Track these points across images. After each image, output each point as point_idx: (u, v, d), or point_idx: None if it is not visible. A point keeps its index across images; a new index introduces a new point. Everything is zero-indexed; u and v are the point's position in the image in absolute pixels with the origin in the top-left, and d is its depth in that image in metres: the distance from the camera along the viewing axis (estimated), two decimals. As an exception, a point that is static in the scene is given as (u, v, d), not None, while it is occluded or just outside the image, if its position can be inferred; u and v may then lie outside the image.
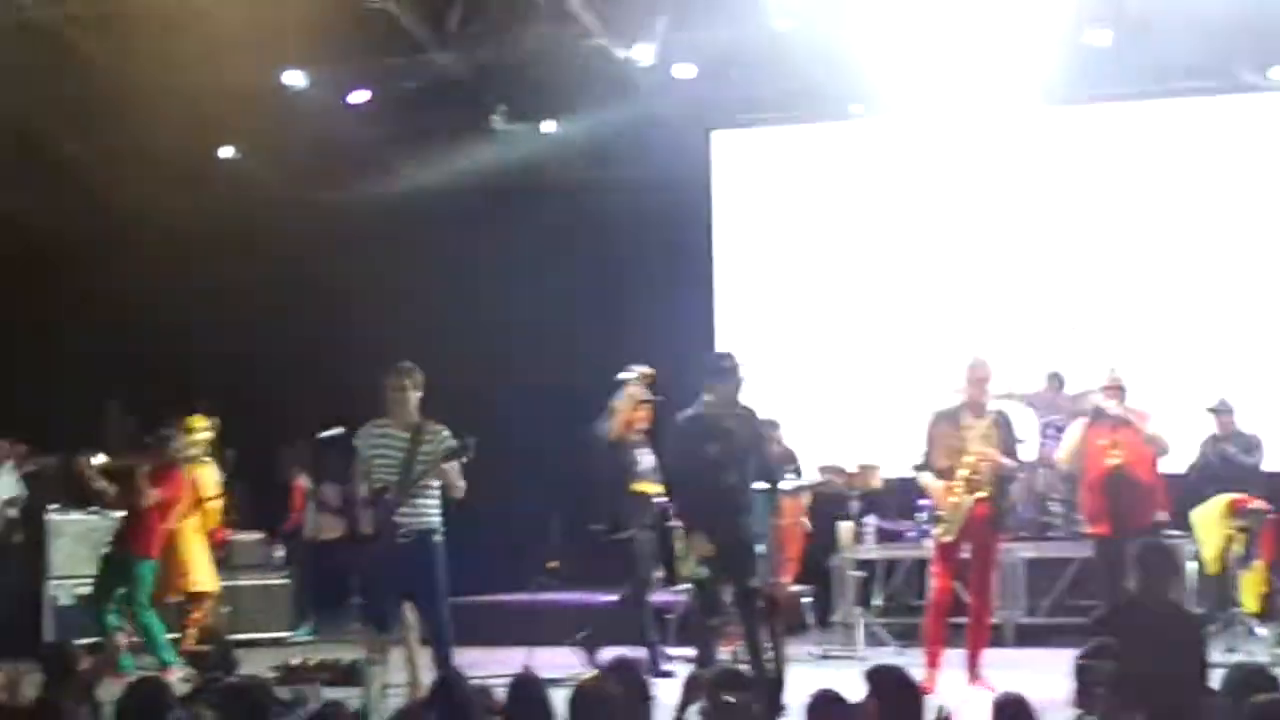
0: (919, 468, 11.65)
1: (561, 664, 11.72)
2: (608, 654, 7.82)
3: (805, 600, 14.34)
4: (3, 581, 14.71)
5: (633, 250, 17.43)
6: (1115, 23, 14.96)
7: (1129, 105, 16.62)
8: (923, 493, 12.13)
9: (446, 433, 10.67)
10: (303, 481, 16.76)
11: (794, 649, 11.98)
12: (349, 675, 11.64)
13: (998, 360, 11.76)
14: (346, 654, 12.70)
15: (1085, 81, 16.09)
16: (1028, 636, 13.43)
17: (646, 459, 12.58)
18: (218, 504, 14.02)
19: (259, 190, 18.22)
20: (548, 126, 17.32)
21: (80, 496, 14.16)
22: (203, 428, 13.48)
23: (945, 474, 11.41)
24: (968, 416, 11.44)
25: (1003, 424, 11.50)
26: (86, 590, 13.68)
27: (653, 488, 12.39)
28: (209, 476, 13.75)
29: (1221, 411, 13.66)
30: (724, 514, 10.40)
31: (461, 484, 10.56)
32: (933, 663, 11.25)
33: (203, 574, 13.70)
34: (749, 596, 10.29)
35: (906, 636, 13.34)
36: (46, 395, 17.52)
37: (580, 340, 16.99)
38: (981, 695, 7.15)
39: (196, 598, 13.69)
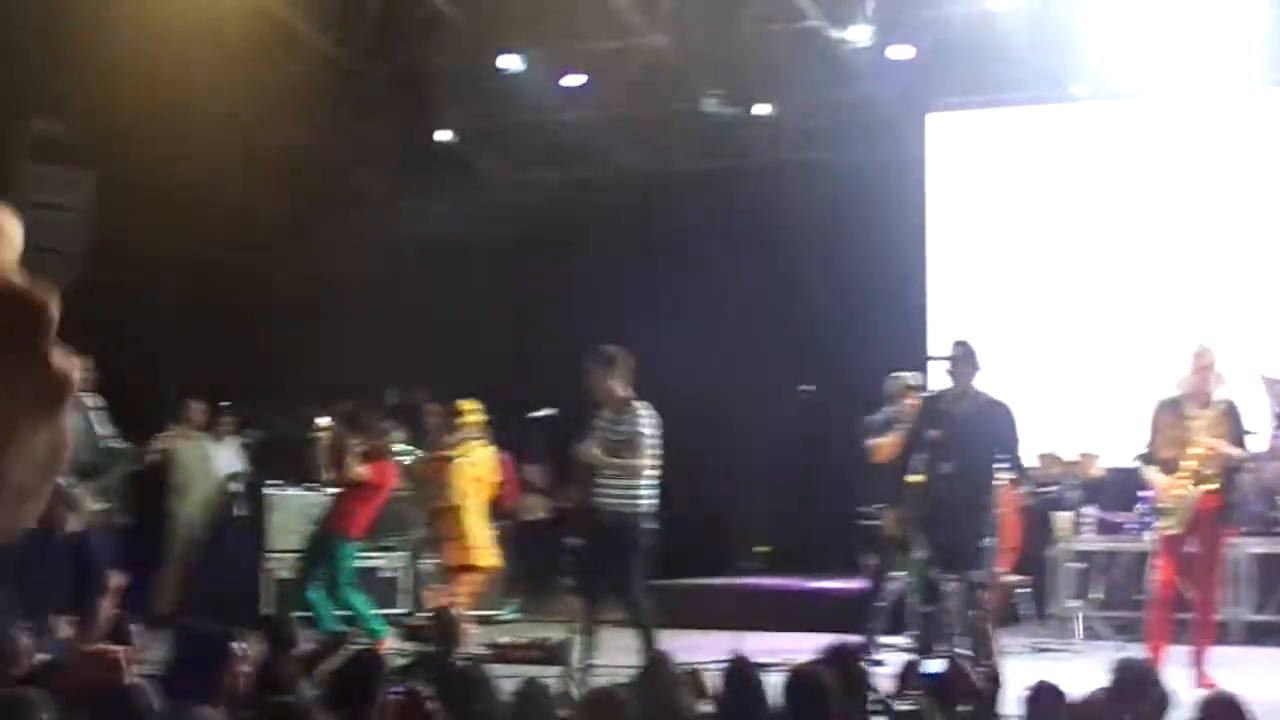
0: (1142, 459, 11.36)
1: (773, 649, 11.61)
2: (825, 640, 7.69)
3: (1021, 591, 14.08)
4: (225, 555, 14.96)
5: (845, 234, 17.22)
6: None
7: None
8: (1144, 484, 11.83)
9: (643, 413, 10.69)
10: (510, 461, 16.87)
11: (1008, 641, 11.81)
12: (555, 654, 11.66)
13: (1224, 349, 11.41)
14: (554, 633, 12.74)
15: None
16: (1256, 634, 13.06)
17: None
18: (497, 482, 13.95)
19: (475, 174, 18.36)
20: (760, 109, 17.18)
21: (301, 469, 14.32)
22: (472, 410, 13.47)
23: (1169, 465, 11.12)
24: (1192, 406, 11.15)
25: (1231, 414, 11.16)
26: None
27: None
28: (486, 456, 13.68)
29: None
30: (940, 502, 10.24)
31: (637, 462, 10.51)
32: (1155, 659, 10.95)
33: (484, 550, 13.70)
34: (969, 589, 10.13)
35: (1127, 631, 13.04)
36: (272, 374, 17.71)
37: (795, 323, 16.85)
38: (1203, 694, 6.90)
39: (471, 570, 13.68)
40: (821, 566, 14.89)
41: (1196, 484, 11.00)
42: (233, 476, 15.27)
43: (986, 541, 10.28)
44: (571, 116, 17.70)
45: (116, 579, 8.41)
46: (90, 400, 11.51)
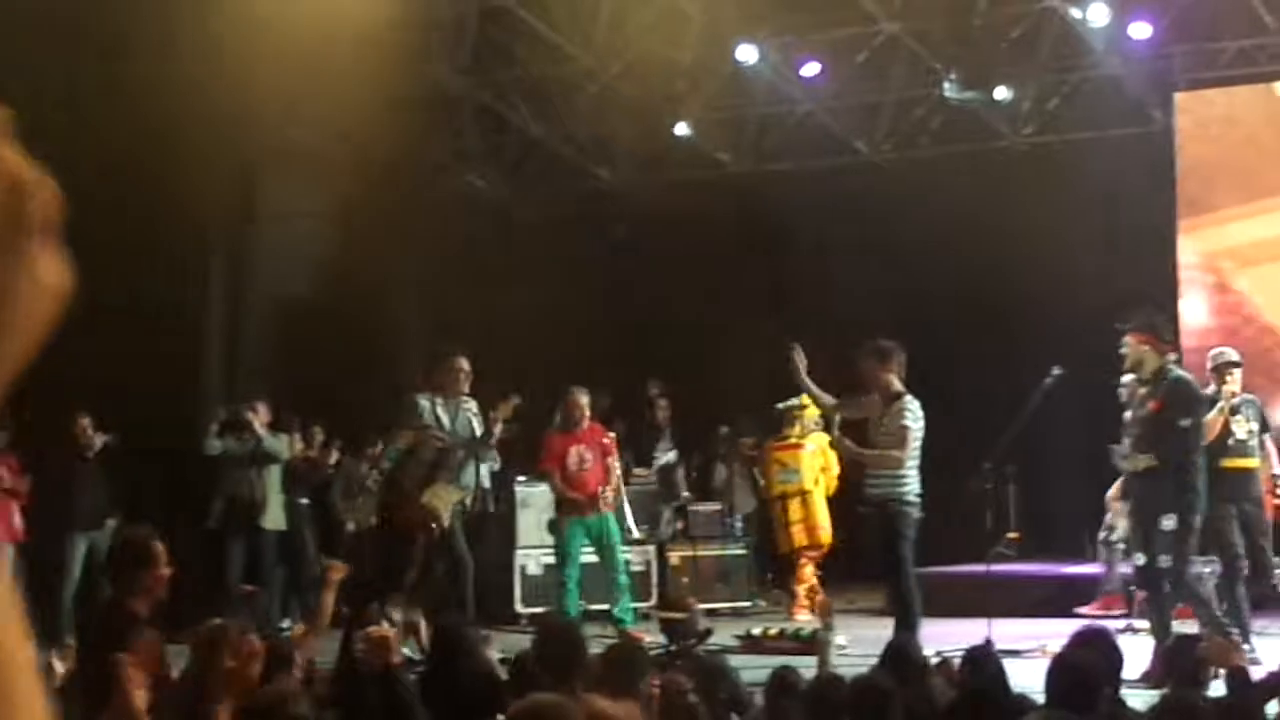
0: None
1: (1019, 635, 11.62)
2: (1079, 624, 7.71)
3: None
4: (480, 550, 15.29)
5: (1093, 213, 16.98)
6: None
7: None
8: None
9: (911, 408, 10.86)
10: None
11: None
12: (809, 644, 11.77)
13: None
14: (806, 624, 12.88)
15: None
16: None
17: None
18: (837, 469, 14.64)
19: (714, 165, 18.51)
20: (1000, 92, 17.06)
21: None
22: (808, 404, 13.91)
23: None
24: None
25: None
26: (551, 560, 14.19)
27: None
28: (825, 444, 14.22)
29: None
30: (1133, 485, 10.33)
31: (899, 455, 10.71)
32: None
33: (826, 529, 14.78)
34: (1147, 572, 10.17)
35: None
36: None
37: (1042, 304, 16.67)
38: None
39: (816, 549, 14.74)
40: (1075, 551, 14.82)
41: None
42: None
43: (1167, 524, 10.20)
44: (809, 106, 17.78)
45: (338, 569, 8.66)
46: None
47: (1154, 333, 10.46)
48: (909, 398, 11.02)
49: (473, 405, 11.83)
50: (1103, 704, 6.26)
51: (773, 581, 16.40)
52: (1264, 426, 11.64)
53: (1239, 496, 11.41)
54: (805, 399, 13.50)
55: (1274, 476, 11.83)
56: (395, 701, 6.51)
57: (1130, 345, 10.48)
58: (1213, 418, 11.40)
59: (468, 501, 12.11)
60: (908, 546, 11.04)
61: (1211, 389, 11.44)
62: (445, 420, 11.66)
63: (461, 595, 11.60)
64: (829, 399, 11.63)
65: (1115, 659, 7.18)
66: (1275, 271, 16.52)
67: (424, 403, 11.66)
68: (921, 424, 11.00)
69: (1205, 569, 12.90)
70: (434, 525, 11.48)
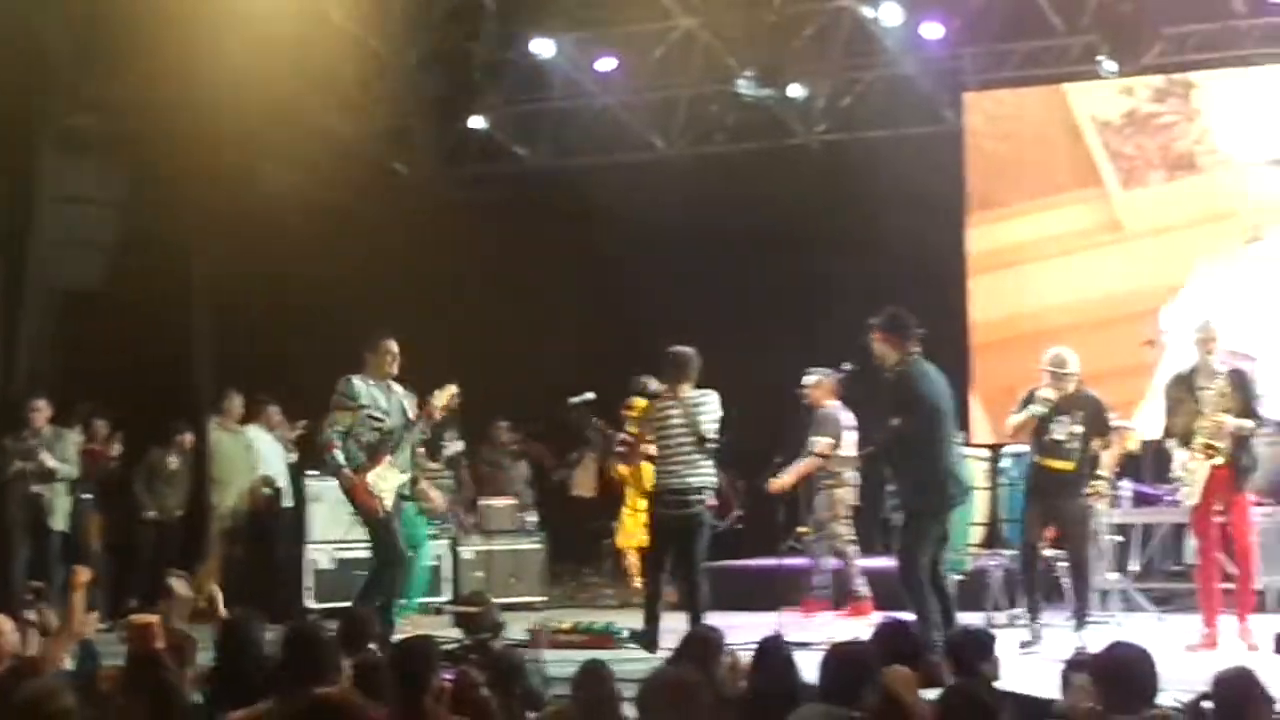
0: (1166, 434, 11.63)
1: (810, 628, 11.72)
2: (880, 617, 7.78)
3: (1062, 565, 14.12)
4: (267, 548, 15.08)
5: (882, 213, 17.17)
6: None
7: None
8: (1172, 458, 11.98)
9: (701, 402, 11.06)
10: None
11: (1049, 615, 11.92)
12: (600, 638, 11.79)
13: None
14: (600, 617, 12.88)
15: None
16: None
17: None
18: None
19: (510, 159, 18.44)
20: (794, 90, 17.20)
21: None
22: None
23: (1186, 438, 11.42)
24: (1201, 379, 11.40)
25: (1238, 383, 11.39)
26: (346, 555, 14.06)
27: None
28: None
29: None
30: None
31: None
32: (1209, 621, 11.33)
33: None
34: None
35: (1164, 602, 13.12)
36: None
37: (832, 301, 16.83)
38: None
39: None
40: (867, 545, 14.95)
41: (1208, 455, 11.29)
42: (267, 480, 15.39)
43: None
44: (606, 101, 17.78)
45: (83, 574, 8.56)
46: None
47: (894, 329, 10.62)
48: (701, 391, 11.35)
49: (400, 388, 11.70)
50: (871, 694, 6.32)
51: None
52: (1096, 429, 11.79)
53: (1049, 495, 11.67)
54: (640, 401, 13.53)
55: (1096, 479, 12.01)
56: (158, 686, 6.43)
57: (876, 341, 10.65)
58: (1022, 419, 11.71)
59: (407, 490, 11.91)
60: (707, 538, 11.26)
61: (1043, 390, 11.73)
62: (381, 402, 11.49)
63: (389, 588, 11.47)
64: None
65: (909, 651, 7.23)
66: (1062, 266, 16.90)
67: (359, 384, 11.46)
68: (717, 417, 11.26)
69: (991, 563, 13.17)
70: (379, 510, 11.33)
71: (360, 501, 11.36)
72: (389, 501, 11.39)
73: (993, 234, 17.24)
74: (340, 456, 11.27)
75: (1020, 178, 17.20)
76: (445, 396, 11.66)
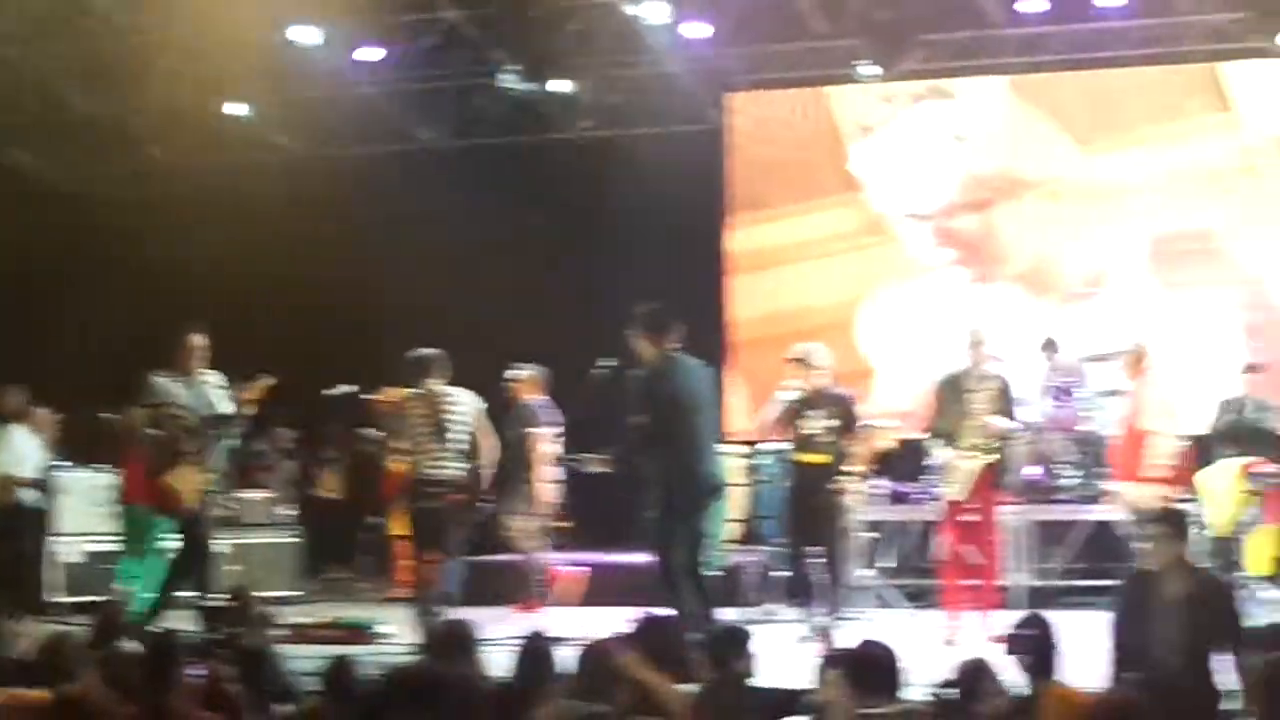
0: (931, 433, 11.85)
1: (570, 623, 11.71)
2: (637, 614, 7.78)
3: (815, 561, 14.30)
4: (14, 543, 14.71)
5: (644, 209, 17.25)
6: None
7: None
8: (930, 455, 12.16)
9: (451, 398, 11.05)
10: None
11: (804, 610, 12.08)
12: (355, 632, 11.70)
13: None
14: (353, 612, 12.76)
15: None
16: (1039, 600, 13.36)
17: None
18: None
19: (270, 148, 18.18)
20: (557, 84, 17.20)
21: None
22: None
23: (952, 438, 11.65)
24: (971, 381, 11.67)
25: (1004, 390, 11.74)
26: (95, 548, 13.77)
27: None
28: None
29: (1252, 371, 13.71)
30: None
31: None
32: (953, 615, 11.61)
33: None
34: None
35: (916, 598, 13.35)
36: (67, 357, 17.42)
37: (594, 297, 16.86)
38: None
39: None
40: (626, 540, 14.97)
41: (978, 455, 11.55)
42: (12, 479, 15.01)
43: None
44: (369, 90, 17.61)
45: None
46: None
47: (653, 326, 10.71)
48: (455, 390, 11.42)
49: (213, 380, 11.43)
50: (624, 690, 6.35)
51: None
52: (848, 424, 12.01)
53: (805, 490, 11.87)
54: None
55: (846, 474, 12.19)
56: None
57: (635, 338, 10.77)
58: (772, 412, 11.94)
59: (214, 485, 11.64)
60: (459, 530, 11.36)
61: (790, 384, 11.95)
62: (184, 398, 11.26)
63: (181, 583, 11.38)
64: None
65: (671, 651, 7.26)
66: (824, 267, 17.15)
67: (161, 381, 11.24)
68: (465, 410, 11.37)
69: (748, 559, 13.30)
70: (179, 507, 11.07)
71: (159, 498, 11.21)
72: (192, 498, 11.18)
73: (757, 234, 17.46)
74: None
75: (785, 180, 17.44)
76: (258, 389, 11.52)
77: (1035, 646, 6.97)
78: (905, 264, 17.01)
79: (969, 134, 16.98)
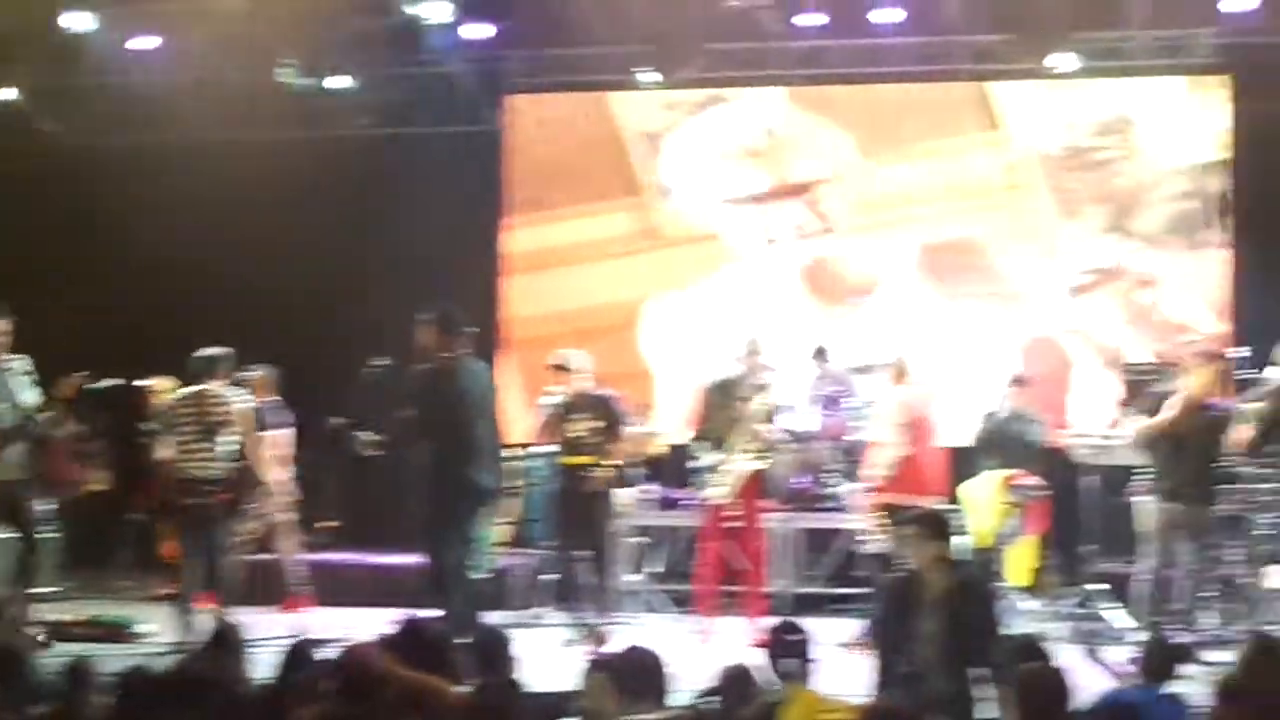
0: (697, 437, 11.93)
1: (334, 624, 11.63)
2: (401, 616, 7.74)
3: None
4: None
5: (421, 209, 17.15)
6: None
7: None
8: (697, 460, 12.31)
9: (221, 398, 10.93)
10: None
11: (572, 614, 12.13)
12: (113, 630, 11.52)
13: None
14: (114, 610, 12.55)
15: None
16: (804, 606, 13.54)
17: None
18: None
19: (39, 136, 17.78)
20: (338, 81, 17.05)
21: None
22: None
23: (721, 443, 11.85)
24: (743, 388, 11.88)
25: (773, 397, 12.12)
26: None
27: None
28: None
29: (1018, 384, 14.02)
30: None
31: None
32: (709, 619, 11.92)
33: None
34: None
35: (684, 603, 13.44)
36: None
37: (365, 298, 16.74)
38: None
39: None
40: (391, 540, 14.89)
41: (747, 460, 11.83)
42: None
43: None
44: (144, 79, 17.29)
45: None
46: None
47: (444, 325, 10.77)
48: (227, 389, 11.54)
49: (17, 366, 11.09)
50: (388, 693, 6.33)
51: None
52: (612, 426, 12.11)
53: (574, 493, 12.15)
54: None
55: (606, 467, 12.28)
56: None
57: (424, 335, 10.83)
58: (542, 417, 12.25)
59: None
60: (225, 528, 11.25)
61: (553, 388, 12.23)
62: None
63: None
64: None
65: (428, 648, 7.23)
66: (602, 269, 17.28)
67: None
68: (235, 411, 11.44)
69: (517, 562, 13.32)
70: None
71: None
72: None
73: (535, 235, 17.47)
74: None
75: (565, 182, 17.48)
76: (69, 387, 11.28)
77: (793, 652, 7.06)
78: (685, 269, 17.11)
79: (751, 142, 17.15)
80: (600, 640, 11.19)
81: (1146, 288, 16.38)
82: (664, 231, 17.22)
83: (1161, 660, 7.13)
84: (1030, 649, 6.98)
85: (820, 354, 14.99)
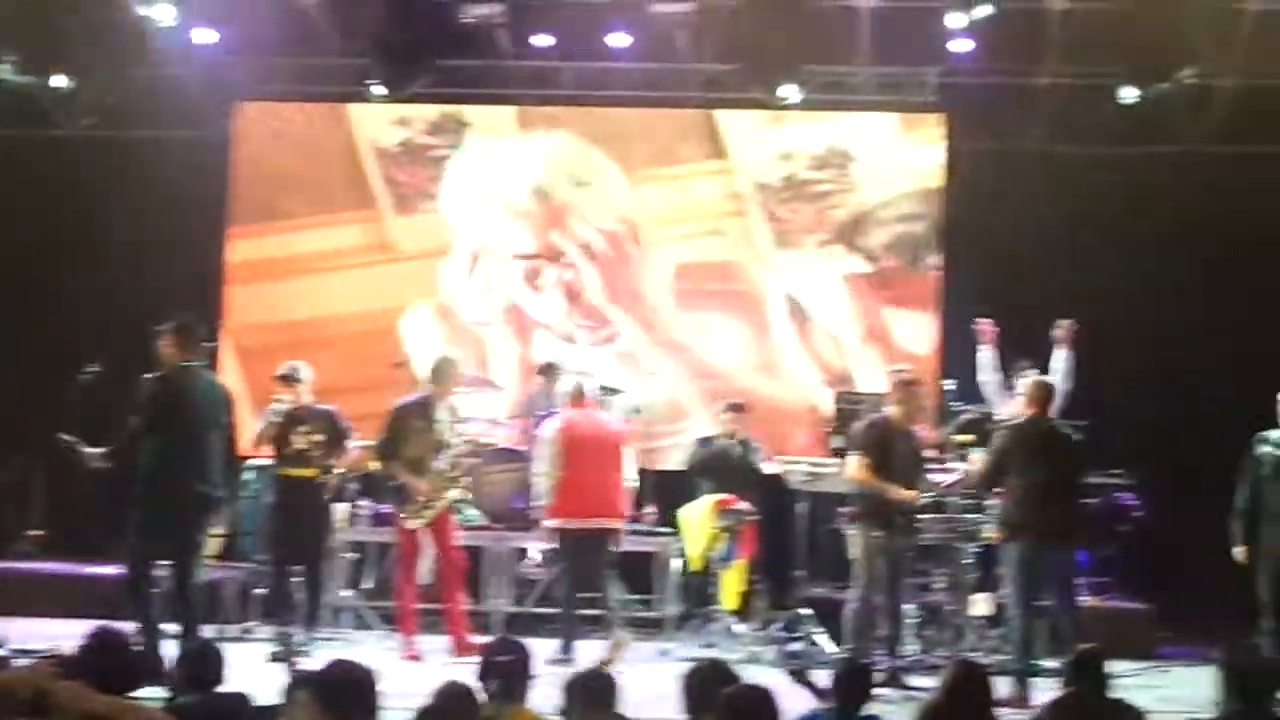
0: (384, 457, 12.22)
1: (36, 634, 11.37)
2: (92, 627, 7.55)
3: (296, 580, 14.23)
4: None
5: (146, 214, 16.82)
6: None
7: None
8: (395, 479, 12.47)
9: None
10: None
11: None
12: None
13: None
14: None
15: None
16: (516, 626, 13.57)
17: None
18: None
19: None
20: (60, 80, 16.67)
21: None
22: None
23: (417, 465, 12.11)
24: (438, 409, 12.17)
25: (458, 417, 12.45)
26: None
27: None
28: None
29: (735, 410, 14.22)
30: None
31: None
32: (411, 633, 12.14)
33: None
34: None
35: (394, 621, 13.40)
36: None
37: (89, 300, 16.40)
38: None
39: None
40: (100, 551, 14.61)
41: (448, 482, 12.16)
42: None
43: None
44: None
45: None
46: None
47: (183, 336, 10.70)
48: None
49: None
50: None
51: None
52: (334, 439, 12.09)
53: (292, 505, 12.15)
54: None
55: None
56: None
57: (163, 345, 10.68)
58: (263, 430, 12.20)
59: None
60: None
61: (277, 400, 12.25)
62: None
63: None
64: None
65: (122, 659, 7.10)
66: (336, 280, 17.27)
67: None
68: None
69: (229, 575, 13.16)
70: None
71: None
72: None
73: (264, 245, 17.28)
74: None
75: (296, 192, 17.33)
76: None
77: (506, 671, 7.06)
78: (422, 283, 17.10)
79: (483, 158, 17.23)
80: (303, 656, 11.14)
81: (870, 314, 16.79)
82: (398, 245, 17.17)
83: (852, 684, 7.26)
84: (718, 672, 6.99)
85: (548, 371, 14.93)
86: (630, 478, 12.53)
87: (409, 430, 12.15)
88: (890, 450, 11.57)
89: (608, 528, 12.31)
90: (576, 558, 12.32)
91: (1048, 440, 11.27)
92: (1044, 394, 11.43)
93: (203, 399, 10.77)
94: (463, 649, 11.86)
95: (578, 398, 12.52)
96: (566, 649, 11.95)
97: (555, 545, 12.61)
